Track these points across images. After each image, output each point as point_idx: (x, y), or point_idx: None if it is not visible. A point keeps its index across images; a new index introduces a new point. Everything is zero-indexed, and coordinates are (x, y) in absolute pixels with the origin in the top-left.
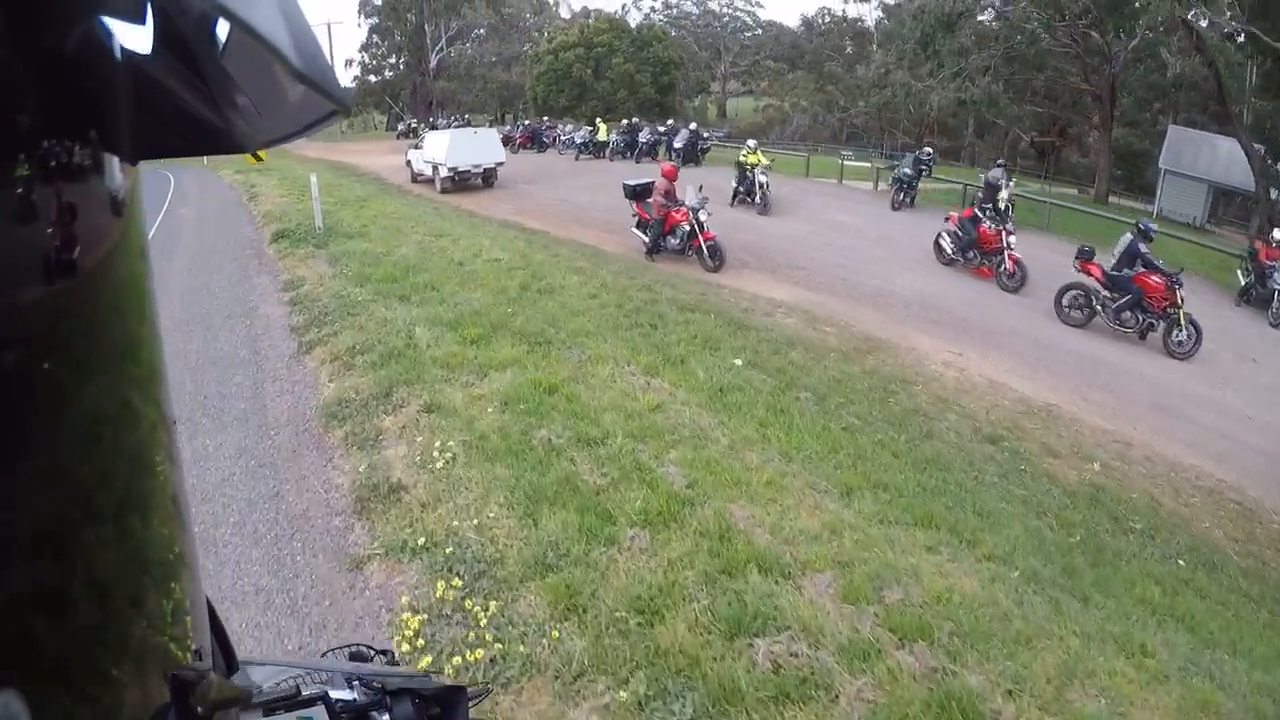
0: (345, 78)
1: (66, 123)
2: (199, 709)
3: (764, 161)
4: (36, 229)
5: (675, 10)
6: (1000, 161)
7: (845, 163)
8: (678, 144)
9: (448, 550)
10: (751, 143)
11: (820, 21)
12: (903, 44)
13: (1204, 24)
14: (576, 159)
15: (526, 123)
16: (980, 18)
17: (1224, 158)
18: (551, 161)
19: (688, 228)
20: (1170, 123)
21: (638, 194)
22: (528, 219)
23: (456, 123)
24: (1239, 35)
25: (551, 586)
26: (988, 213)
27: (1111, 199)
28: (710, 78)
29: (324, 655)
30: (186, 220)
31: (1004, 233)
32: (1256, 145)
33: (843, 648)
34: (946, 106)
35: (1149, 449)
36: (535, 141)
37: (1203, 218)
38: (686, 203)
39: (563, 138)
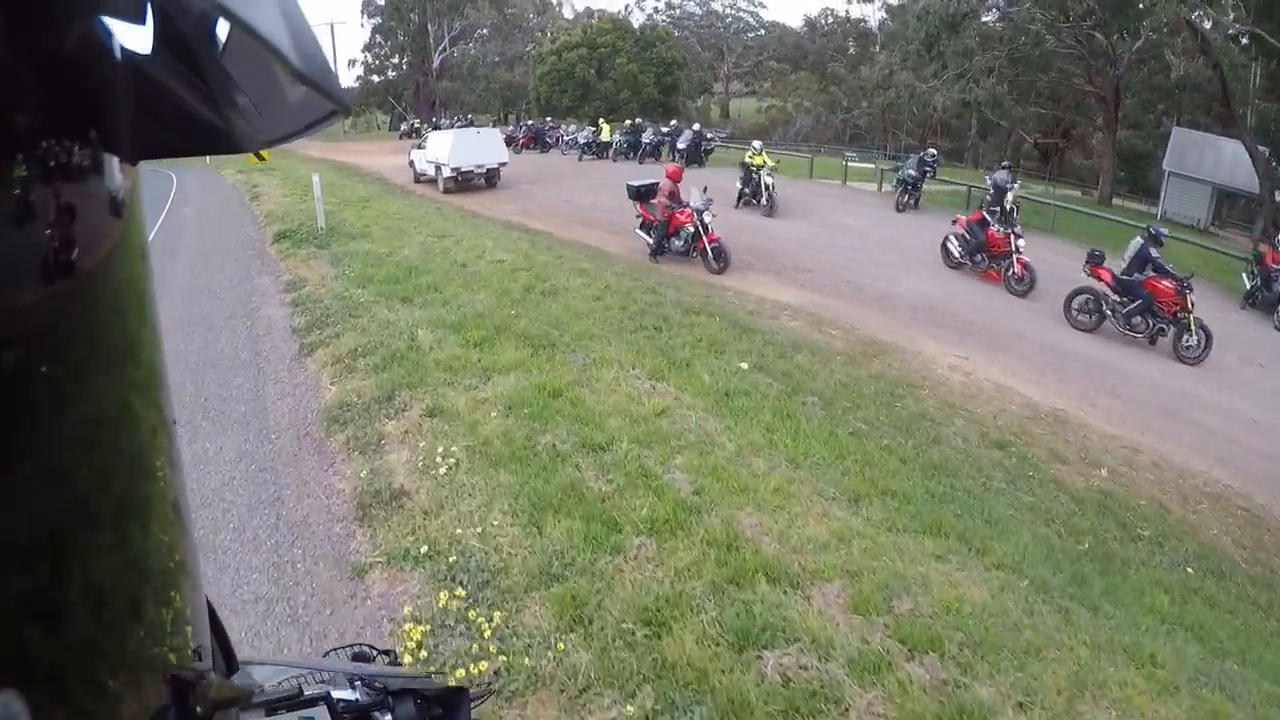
0: (348, 78)
1: (66, 123)
2: (198, 709)
3: (769, 163)
4: (36, 229)
5: (678, 11)
6: (1005, 164)
7: (849, 164)
8: (681, 145)
9: (451, 559)
10: (757, 144)
11: (823, 22)
12: (907, 45)
13: (1208, 25)
14: (580, 159)
15: (530, 123)
16: (984, 19)
17: (1228, 160)
18: (554, 162)
19: (692, 229)
20: (1174, 125)
21: (642, 195)
22: (531, 220)
23: (459, 123)
24: (1243, 37)
25: (557, 597)
26: (996, 216)
27: (1115, 201)
28: (713, 78)
29: (326, 655)
30: (189, 220)
31: (1012, 236)
32: (1261, 147)
33: (853, 660)
34: (950, 108)
35: (1156, 454)
36: (538, 142)
37: (1206, 220)
38: (691, 204)
39: (566, 138)
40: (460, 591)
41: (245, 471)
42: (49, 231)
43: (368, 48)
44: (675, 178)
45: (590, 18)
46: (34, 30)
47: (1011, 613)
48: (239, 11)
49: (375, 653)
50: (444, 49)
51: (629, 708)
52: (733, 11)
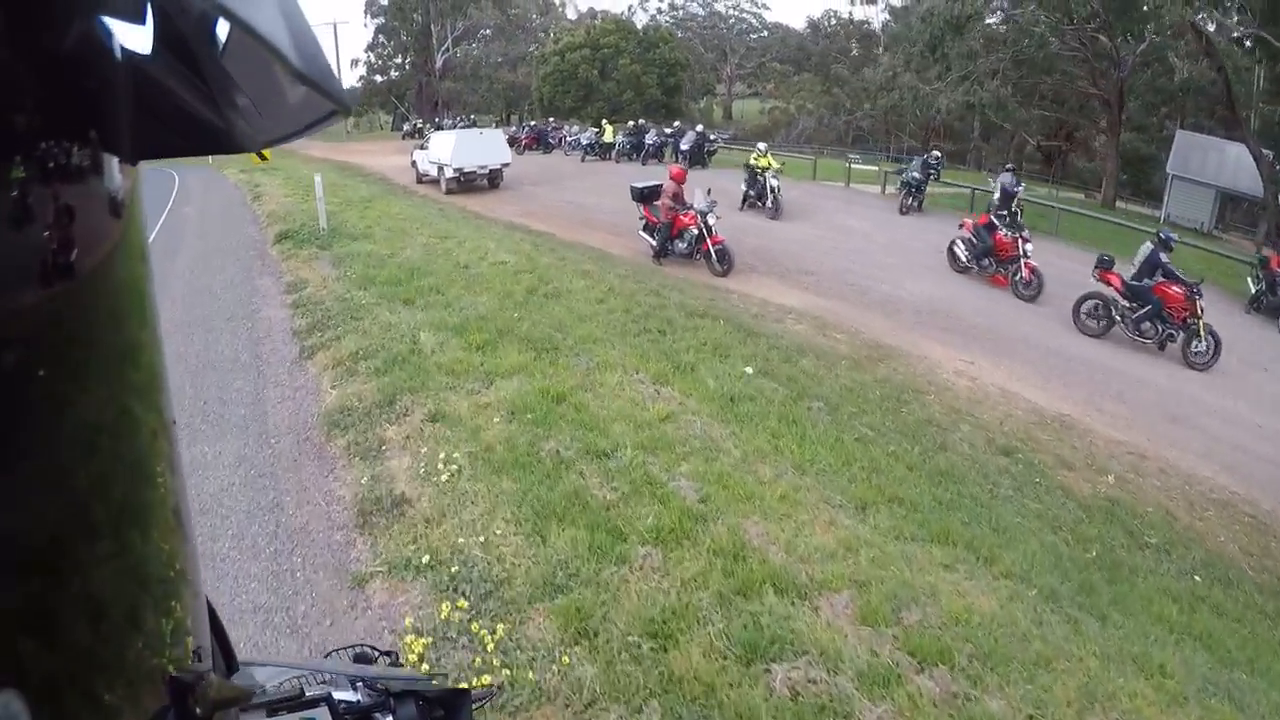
0: (351, 78)
1: (67, 123)
2: (198, 710)
3: (775, 165)
4: (36, 231)
5: (681, 12)
6: (1009, 166)
7: (852, 166)
8: (684, 146)
9: (453, 569)
10: (762, 146)
11: (826, 24)
12: (910, 47)
13: (1211, 28)
14: (582, 160)
15: (532, 123)
16: (988, 21)
17: (1232, 163)
18: (557, 163)
19: (696, 231)
20: (1177, 128)
21: (645, 197)
22: (533, 221)
23: (462, 123)
24: (1247, 40)
25: (561, 609)
26: (1003, 220)
27: (1118, 204)
28: (716, 79)
29: (328, 655)
30: (190, 219)
31: (1020, 240)
32: (1265, 150)
33: (862, 673)
34: (954, 110)
35: (1162, 460)
36: (541, 142)
37: (1210, 223)
38: (695, 206)
39: (568, 139)
40: (463, 603)
41: (244, 476)
42: (48, 233)
43: (371, 48)
44: (679, 180)
45: (593, 18)
46: (34, 30)
47: (1020, 623)
48: (239, 11)
49: (377, 654)
50: (447, 49)
51: None
52: (736, 13)
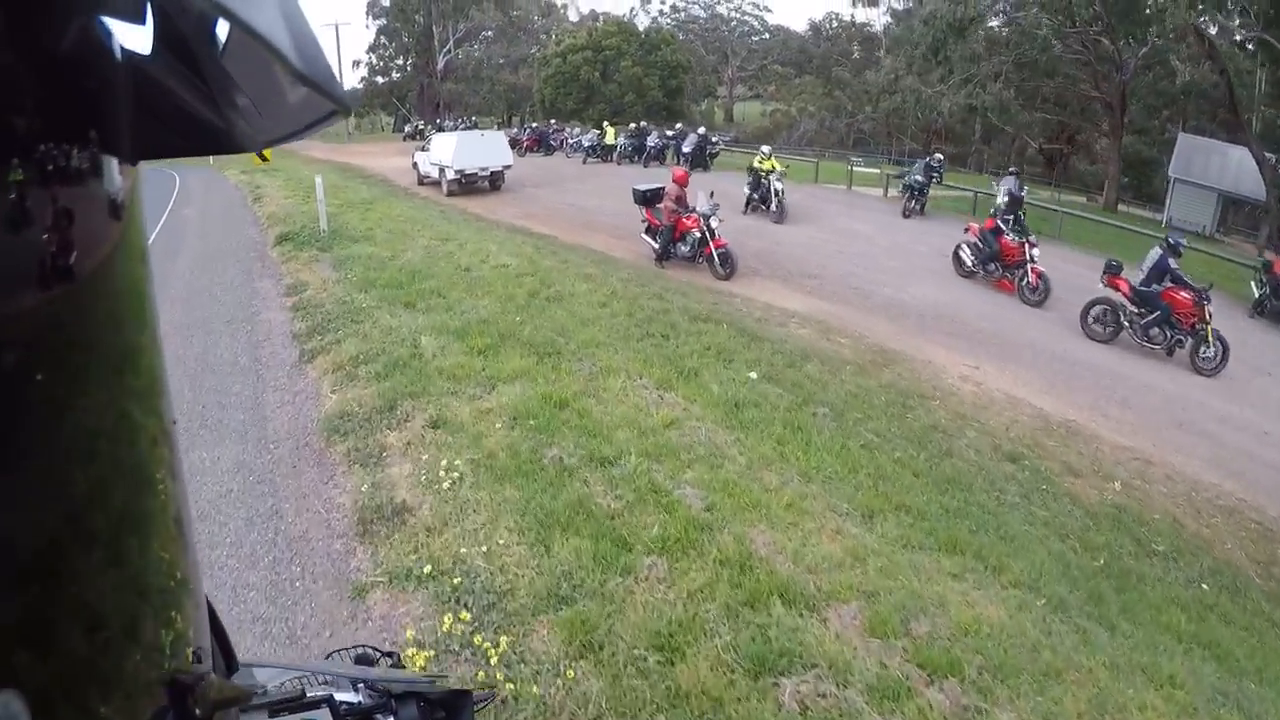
0: (353, 78)
1: (66, 123)
2: (197, 710)
3: (779, 168)
4: (35, 232)
5: (683, 14)
6: (1013, 169)
7: (854, 169)
8: (686, 148)
9: (455, 580)
10: (766, 149)
11: (827, 26)
12: (912, 49)
13: (1213, 31)
14: (584, 162)
15: (534, 125)
16: (991, 24)
17: (1234, 166)
18: (559, 165)
19: (698, 234)
20: (1179, 131)
21: (648, 199)
22: (535, 223)
23: (464, 125)
24: (1249, 43)
25: (566, 621)
26: (1010, 224)
27: (1119, 207)
28: (717, 82)
29: (329, 656)
30: (190, 220)
31: (1027, 245)
32: (1267, 154)
33: (871, 686)
34: (956, 113)
35: (1168, 466)
36: (542, 144)
37: (1212, 227)
38: (697, 209)
39: (570, 141)
40: (465, 614)
41: (243, 483)
42: (47, 234)
43: (372, 49)
44: (682, 182)
45: (595, 20)
46: (34, 30)
47: (1030, 633)
48: (239, 12)
49: (378, 655)
50: (449, 51)
51: None
52: (737, 15)
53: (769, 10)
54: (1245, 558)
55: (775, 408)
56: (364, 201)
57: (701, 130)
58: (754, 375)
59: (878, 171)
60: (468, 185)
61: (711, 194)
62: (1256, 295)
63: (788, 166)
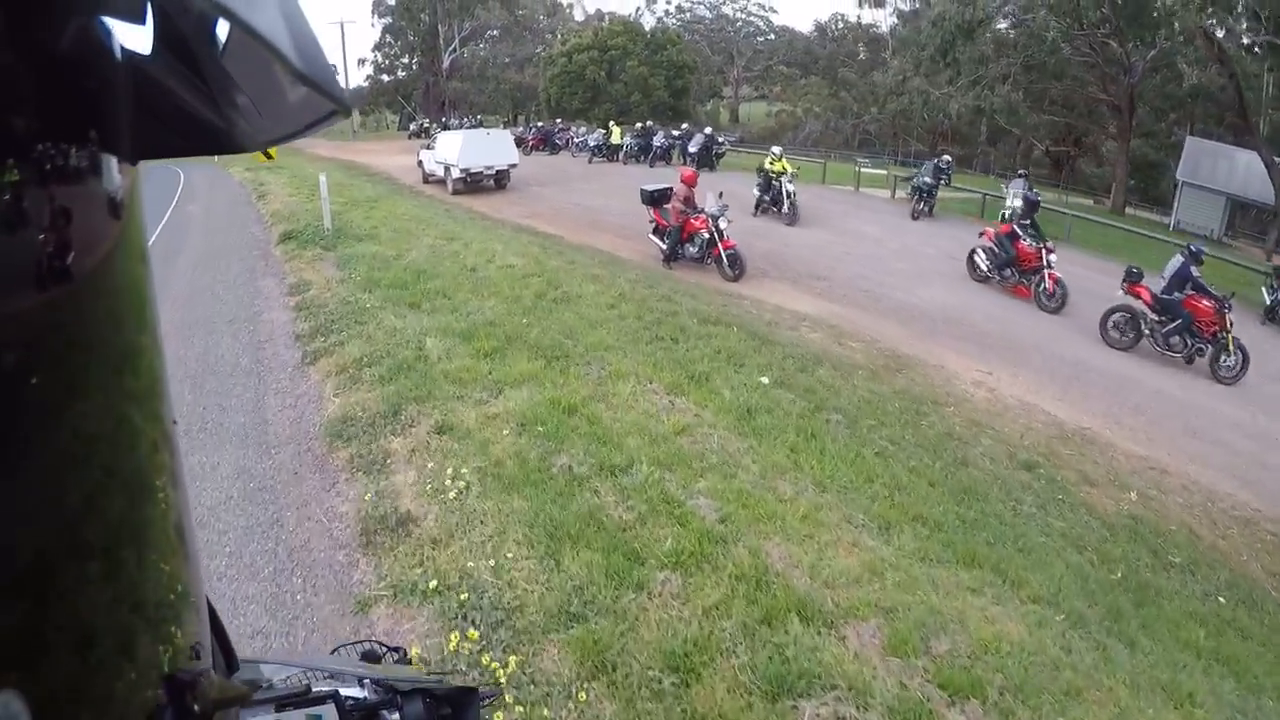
0: (358, 77)
1: (66, 123)
2: (196, 707)
3: (790, 170)
4: (35, 233)
5: (689, 14)
6: (1021, 172)
7: (861, 170)
8: (692, 148)
9: (462, 595)
10: (777, 150)
11: (833, 27)
12: (920, 51)
13: (1220, 34)
14: (589, 162)
15: (539, 124)
16: (999, 25)
17: (1242, 170)
18: (564, 164)
19: (707, 235)
20: (1186, 134)
21: (655, 200)
22: (541, 223)
23: (469, 123)
24: (1257, 46)
25: (577, 640)
26: (1026, 229)
27: (1127, 210)
28: (723, 82)
29: (334, 651)
30: (194, 217)
31: (1044, 250)
32: (1276, 158)
33: (892, 709)
34: (964, 114)
35: (1184, 476)
36: (547, 143)
37: (1220, 230)
38: (706, 209)
39: (576, 140)
40: (473, 632)
41: (243, 489)
42: (47, 235)
43: (378, 47)
44: (690, 183)
45: (601, 20)
46: (34, 30)
47: (1050, 651)
48: (239, 12)
49: (384, 650)
50: (454, 49)
51: None
52: (743, 16)
53: (774, 11)
54: (1261, 570)
55: (788, 414)
56: (368, 200)
57: (708, 130)
58: (766, 380)
59: (885, 173)
60: (473, 184)
61: (720, 194)
62: (1268, 301)
63: (799, 168)
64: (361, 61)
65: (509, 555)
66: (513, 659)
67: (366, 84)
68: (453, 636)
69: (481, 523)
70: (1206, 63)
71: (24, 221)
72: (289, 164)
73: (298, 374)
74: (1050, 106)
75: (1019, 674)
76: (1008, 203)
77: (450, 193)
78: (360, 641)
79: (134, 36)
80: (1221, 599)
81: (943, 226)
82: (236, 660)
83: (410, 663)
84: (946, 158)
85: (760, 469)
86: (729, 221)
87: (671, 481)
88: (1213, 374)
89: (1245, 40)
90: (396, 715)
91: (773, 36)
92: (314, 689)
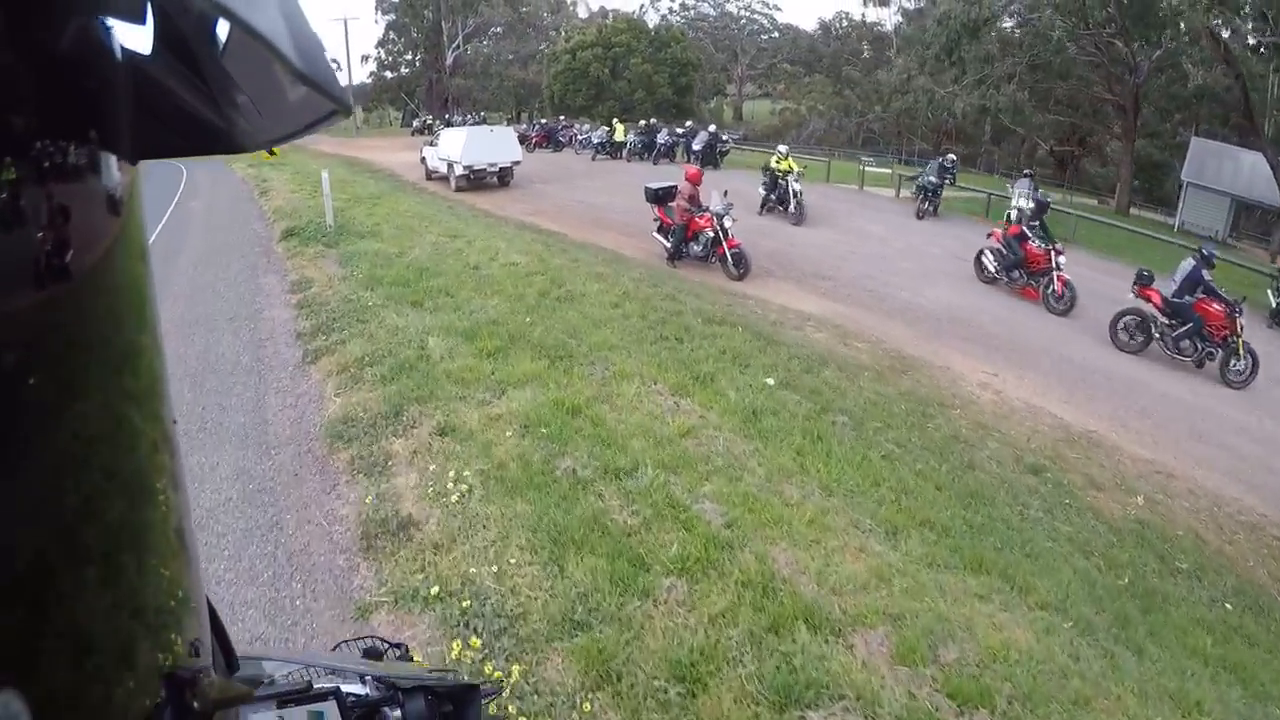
0: (361, 73)
1: (66, 123)
2: (196, 705)
3: (796, 169)
4: (36, 233)
5: (693, 12)
6: (1027, 172)
7: (866, 169)
8: (696, 146)
9: (464, 602)
10: (783, 148)
11: (837, 26)
12: (925, 49)
13: (1226, 35)
14: (593, 159)
15: (543, 121)
16: (1005, 24)
17: (1247, 171)
18: (568, 161)
19: (711, 234)
20: (1191, 134)
21: (660, 198)
22: (544, 220)
23: (472, 120)
24: (1262, 47)
25: (582, 649)
26: (1035, 231)
27: (1131, 210)
28: (727, 80)
29: (336, 647)
30: (196, 214)
31: (1053, 252)
32: None
33: (900, 719)
34: (969, 114)
35: (1190, 480)
36: (551, 141)
37: (1224, 231)
38: (711, 208)
39: (579, 137)
40: (475, 640)
41: (243, 491)
42: (46, 234)
43: (381, 43)
44: (695, 181)
45: (605, 17)
46: (34, 30)
47: (1058, 659)
48: (239, 11)
49: (386, 647)
50: (458, 46)
51: None
52: (747, 13)
53: (778, 9)
54: (1267, 576)
55: (794, 416)
56: (371, 196)
57: (712, 128)
58: (771, 381)
59: (889, 172)
60: (476, 181)
61: (725, 193)
62: (1274, 304)
63: (805, 167)
64: (365, 58)
65: (512, 561)
66: (516, 668)
67: (370, 80)
68: (455, 645)
69: (484, 527)
70: (1212, 63)
71: (24, 221)
72: (292, 160)
73: (298, 373)
74: (1055, 106)
75: (1027, 683)
76: (1013, 203)
77: (453, 190)
78: (362, 638)
79: (134, 36)
80: (1228, 605)
81: (948, 226)
82: (237, 660)
83: (412, 659)
84: (951, 157)
85: (766, 472)
86: (734, 220)
87: (677, 485)
88: (1222, 378)
89: (1251, 41)
90: (398, 712)
91: (777, 34)
92: (315, 685)
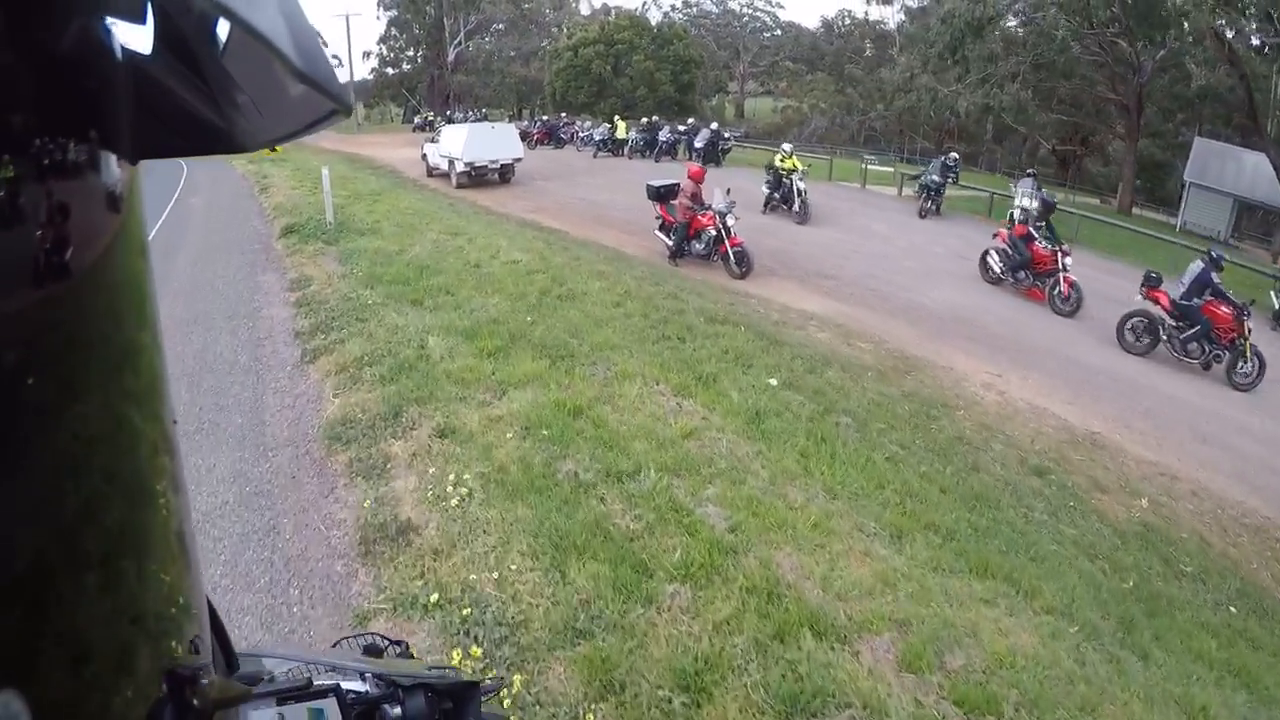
0: (363, 70)
1: (67, 123)
2: (195, 703)
3: (801, 167)
4: (35, 232)
5: (695, 9)
6: (1030, 171)
7: (868, 167)
8: (698, 143)
9: (465, 610)
10: (787, 147)
11: (840, 24)
12: (928, 48)
13: (1230, 35)
14: (595, 156)
15: (544, 118)
16: (1009, 23)
17: (1250, 171)
18: (569, 158)
19: (714, 232)
20: (1194, 135)
21: (662, 195)
22: (545, 217)
23: (474, 117)
24: (1266, 47)
25: (584, 657)
26: (1041, 231)
27: (1133, 210)
28: (729, 77)
29: (336, 645)
30: (196, 210)
31: (1059, 253)
32: None
33: None
34: (972, 112)
35: (1194, 482)
36: (552, 138)
37: (1227, 232)
38: (713, 206)
39: (581, 134)
40: (476, 649)
41: (239, 494)
42: (46, 234)
43: (383, 40)
44: (697, 179)
45: (607, 14)
46: (34, 30)
47: (1064, 664)
48: (240, 11)
49: (386, 643)
50: (459, 43)
51: None
52: (749, 11)
53: (781, 6)
54: (1271, 579)
55: (797, 417)
56: (372, 193)
57: (714, 125)
58: (774, 382)
59: (891, 170)
60: (477, 178)
61: (728, 191)
62: (1277, 306)
63: (810, 165)
64: (366, 54)
65: (513, 567)
66: (518, 678)
67: (371, 77)
68: (455, 654)
69: (484, 532)
70: (1215, 63)
71: (25, 221)
72: (292, 157)
73: (297, 372)
74: (1058, 105)
75: (1034, 689)
76: (1016, 202)
77: (454, 187)
78: (362, 635)
79: (134, 36)
80: (1233, 608)
81: (951, 225)
82: (237, 660)
83: (412, 656)
84: (954, 155)
85: (770, 475)
86: (736, 218)
87: (680, 488)
88: (1228, 380)
89: (1255, 41)
90: (398, 709)
91: (779, 32)
92: (315, 683)
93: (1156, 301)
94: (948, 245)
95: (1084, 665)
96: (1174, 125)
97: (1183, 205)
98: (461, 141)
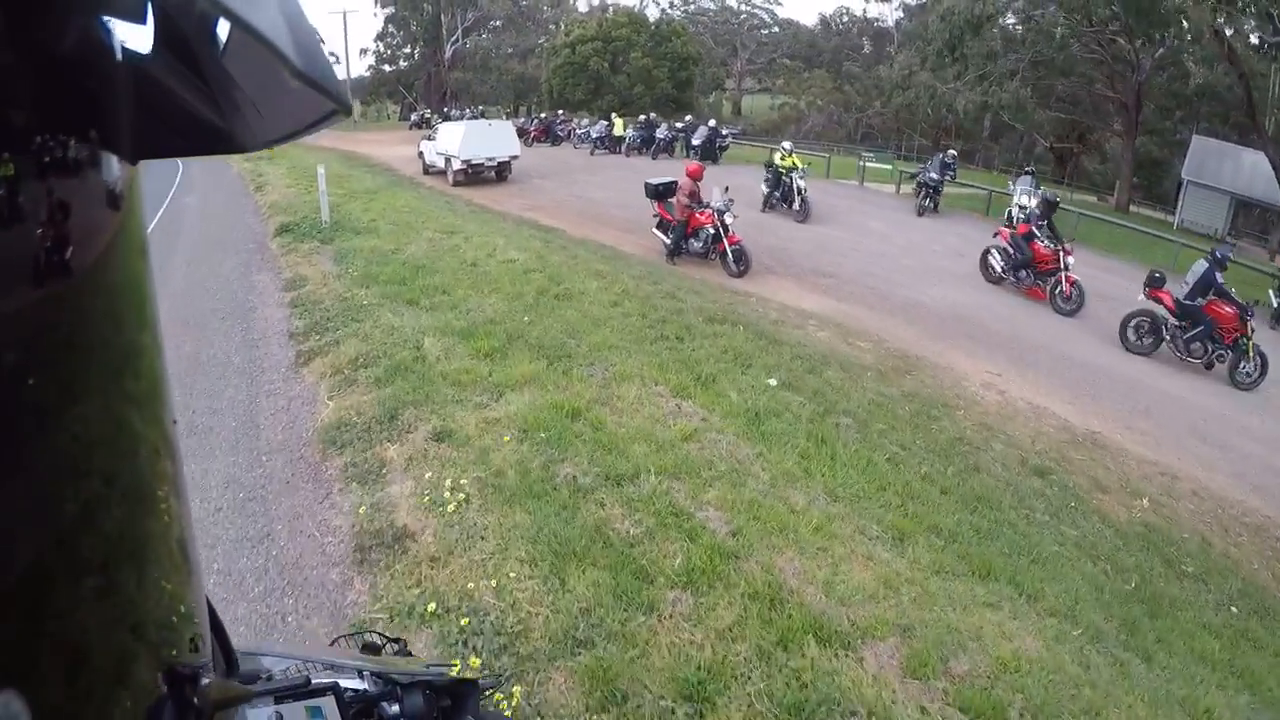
0: (359, 67)
1: (67, 123)
2: (195, 701)
3: (801, 165)
4: (37, 232)
5: (693, 6)
6: (1029, 169)
7: (866, 165)
8: (696, 141)
9: (463, 620)
10: (787, 145)
11: (838, 21)
12: (926, 45)
13: (1229, 33)
14: (592, 154)
15: (541, 116)
16: (1008, 20)
17: (1247, 169)
18: (566, 155)
19: (712, 230)
20: (1191, 132)
21: (660, 193)
22: (542, 215)
23: (471, 114)
24: (1266, 45)
25: (586, 667)
26: (1043, 230)
27: (1130, 208)
28: (726, 74)
29: (334, 643)
30: (191, 209)
31: (1061, 252)
32: None
33: None
34: (971, 110)
35: (1195, 482)
36: (549, 135)
37: (1224, 230)
38: (712, 204)
39: (578, 132)
40: (475, 660)
41: (233, 500)
42: (46, 234)
43: (380, 37)
44: (696, 176)
45: (605, 11)
46: (35, 30)
47: (1069, 668)
48: (239, 11)
49: (384, 641)
50: (457, 39)
51: None
52: (747, 8)
53: (778, 4)
54: (1272, 579)
55: (797, 418)
56: (368, 191)
57: (712, 123)
58: (773, 382)
59: (889, 168)
60: (474, 175)
61: (726, 189)
62: (1276, 305)
63: (809, 163)
64: (363, 51)
65: (511, 575)
66: (517, 689)
67: (368, 74)
68: (453, 665)
69: (482, 538)
70: (1214, 61)
71: (25, 220)
72: (288, 154)
73: (291, 374)
74: (1056, 103)
75: (1039, 694)
76: (1014, 200)
77: (451, 184)
78: (360, 632)
79: (134, 36)
80: (1234, 609)
81: (949, 223)
82: (237, 661)
83: (410, 654)
84: (952, 153)
85: (770, 477)
86: (734, 216)
87: (680, 492)
88: (1231, 380)
89: (1254, 39)
90: (396, 707)
91: (776, 29)
92: (314, 681)
93: (1160, 301)
94: (946, 243)
95: (1088, 669)
96: (1172, 123)
97: (1180, 203)
98: (458, 139)
